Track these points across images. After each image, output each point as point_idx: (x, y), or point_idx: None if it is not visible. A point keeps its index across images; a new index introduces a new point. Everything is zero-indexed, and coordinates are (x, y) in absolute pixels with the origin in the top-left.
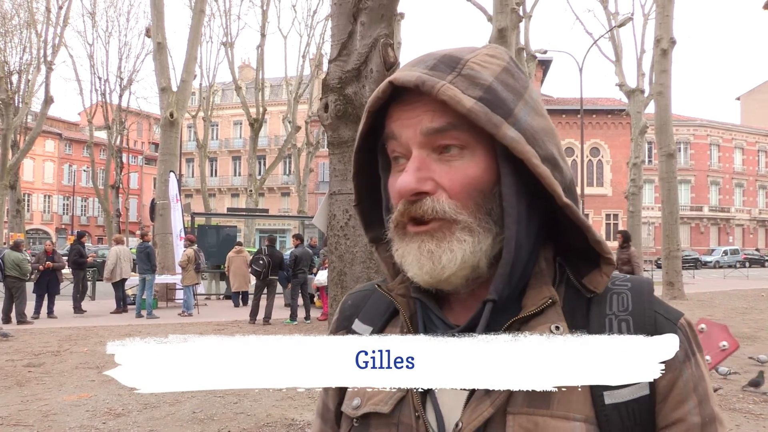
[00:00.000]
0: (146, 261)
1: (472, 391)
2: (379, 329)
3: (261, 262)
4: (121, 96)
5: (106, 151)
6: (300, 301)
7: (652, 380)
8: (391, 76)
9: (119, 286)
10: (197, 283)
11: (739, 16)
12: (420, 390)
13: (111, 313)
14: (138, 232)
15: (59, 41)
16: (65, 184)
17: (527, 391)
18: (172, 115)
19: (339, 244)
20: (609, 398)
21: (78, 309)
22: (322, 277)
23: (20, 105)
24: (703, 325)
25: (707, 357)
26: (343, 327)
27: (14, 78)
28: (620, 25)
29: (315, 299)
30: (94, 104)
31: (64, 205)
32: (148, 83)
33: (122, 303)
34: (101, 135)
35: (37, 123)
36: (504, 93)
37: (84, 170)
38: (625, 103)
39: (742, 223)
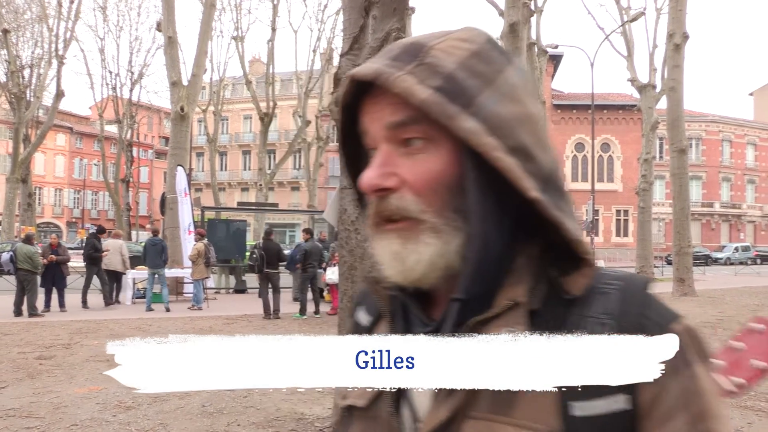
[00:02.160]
0: (159, 256)
1: (438, 393)
2: (375, 320)
3: (254, 255)
4: (131, 90)
5: (116, 145)
6: (309, 295)
7: (616, 385)
8: (353, 69)
9: (108, 279)
10: (207, 277)
11: (753, 11)
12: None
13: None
14: (148, 227)
15: (70, 35)
16: (76, 177)
17: (493, 395)
18: (182, 109)
19: (350, 239)
20: (578, 410)
21: (85, 303)
22: (333, 275)
23: (32, 99)
24: (761, 325)
25: (759, 362)
26: (352, 314)
27: (26, 72)
28: (632, 20)
29: (324, 293)
30: (105, 98)
31: (74, 198)
32: (159, 77)
33: (111, 296)
34: (112, 129)
35: (48, 117)
36: (467, 81)
37: (94, 164)
38: (637, 99)
39: (753, 219)
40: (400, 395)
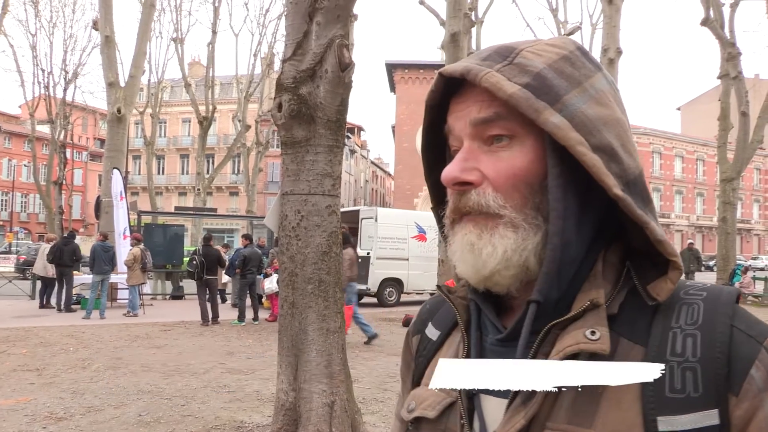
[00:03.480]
0: (108, 261)
1: (511, 402)
2: (446, 334)
3: (194, 262)
4: (65, 89)
5: (48, 146)
6: (248, 301)
7: (706, 399)
8: (444, 67)
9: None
10: (143, 283)
11: (681, 30)
12: (468, 397)
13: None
14: (81, 230)
15: None
16: (4, 178)
17: (572, 406)
18: (119, 110)
19: (290, 245)
20: (664, 425)
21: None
22: (272, 284)
23: None
24: None
25: None
26: (418, 331)
27: None
28: (569, 34)
29: (263, 299)
30: (37, 97)
31: (2, 200)
32: (95, 77)
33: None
34: (44, 129)
35: None
36: (556, 80)
37: (25, 165)
38: None
39: (681, 228)
40: (471, 407)
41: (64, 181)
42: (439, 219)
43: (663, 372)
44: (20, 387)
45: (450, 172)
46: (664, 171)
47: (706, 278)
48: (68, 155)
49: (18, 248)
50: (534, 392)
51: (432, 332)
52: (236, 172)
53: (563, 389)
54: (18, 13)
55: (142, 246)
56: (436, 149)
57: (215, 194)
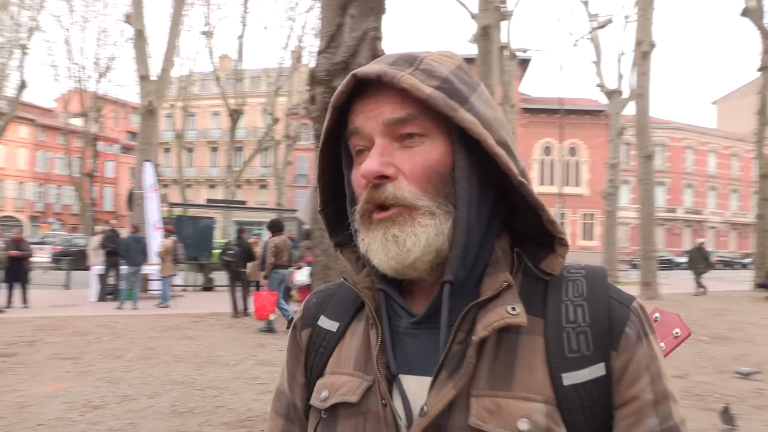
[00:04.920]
0: (141, 252)
1: (436, 377)
2: (346, 324)
3: (231, 251)
4: (98, 83)
5: (81, 139)
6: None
7: (595, 355)
8: (357, 69)
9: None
10: (174, 275)
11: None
12: (387, 378)
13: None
14: (113, 222)
15: (34, 25)
16: (39, 171)
17: (489, 374)
18: (150, 103)
19: (324, 238)
20: (567, 379)
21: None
22: (302, 276)
23: None
24: (657, 314)
25: (662, 344)
26: (308, 325)
27: None
28: (600, 27)
29: (293, 292)
30: (70, 91)
31: (37, 192)
32: (126, 71)
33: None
34: (77, 122)
35: (10, 108)
36: (459, 85)
37: (59, 157)
38: (603, 104)
39: (714, 225)
40: (390, 386)
41: (96, 173)
42: (327, 220)
43: (561, 337)
44: (58, 375)
45: (371, 166)
46: (697, 167)
47: (723, 276)
48: (100, 148)
49: (53, 239)
50: (459, 366)
51: (328, 324)
52: (265, 165)
53: (481, 362)
54: (53, 9)
55: (173, 238)
56: (329, 150)
57: (244, 187)
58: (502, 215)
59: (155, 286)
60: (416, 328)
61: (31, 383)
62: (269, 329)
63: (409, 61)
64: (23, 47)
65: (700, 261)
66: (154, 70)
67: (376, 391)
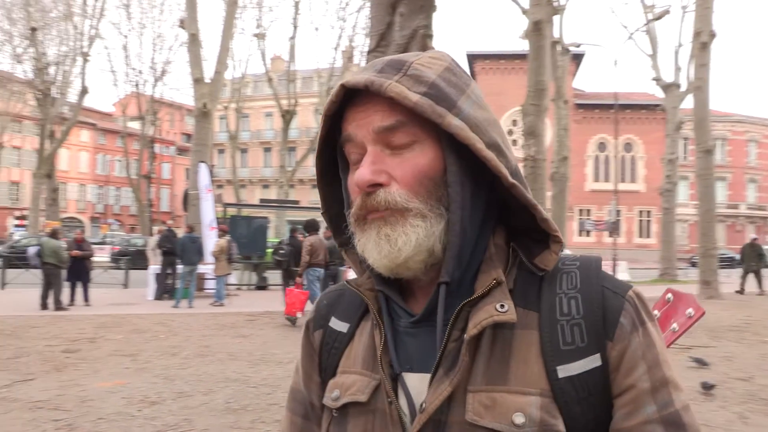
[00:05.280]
0: (196, 252)
1: (434, 374)
2: (355, 325)
3: (282, 251)
4: (154, 87)
5: (139, 142)
6: None
7: (590, 347)
8: (343, 80)
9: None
10: (229, 273)
11: None
12: (391, 377)
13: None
14: (169, 222)
15: (95, 33)
16: (99, 173)
17: (486, 370)
18: (205, 106)
19: None
20: (562, 372)
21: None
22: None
23: (57, 96)
24: (669, 295)
25: (675, 325)
26: (320, 326)
27: (52, 69)
28: (657, 18)
29: None
30: (128, 95)
31: (98, 194)
32: (181, 74)
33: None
34: (134, 125)
35: (73, 113)
36: (447, 89)
37: (118, 160)
38: (660, 98)
39: None
40: (395, 385)
41: (153, 175)
42: (331, 221)
43: (556, 330)
44: (117, 371)
45: (363, 175)
46: (761, 161)
47: None
48: (157, 150)
49: (112, 239)
50: (455, 363)
51: (339, 325)
52: None
53: (477, 358)
54: (112, 16)
55: (227, 237)
56: (325, 157)
57: (297, 186)
58: (496, 213)
59: (210, 285)
60: (416, 328)
61: (92, 378)
62: (291, 323)
63: (397, 67)
64: (85, 55)
65: (753, 258)
66: (208, 72)
67: (382, 390)
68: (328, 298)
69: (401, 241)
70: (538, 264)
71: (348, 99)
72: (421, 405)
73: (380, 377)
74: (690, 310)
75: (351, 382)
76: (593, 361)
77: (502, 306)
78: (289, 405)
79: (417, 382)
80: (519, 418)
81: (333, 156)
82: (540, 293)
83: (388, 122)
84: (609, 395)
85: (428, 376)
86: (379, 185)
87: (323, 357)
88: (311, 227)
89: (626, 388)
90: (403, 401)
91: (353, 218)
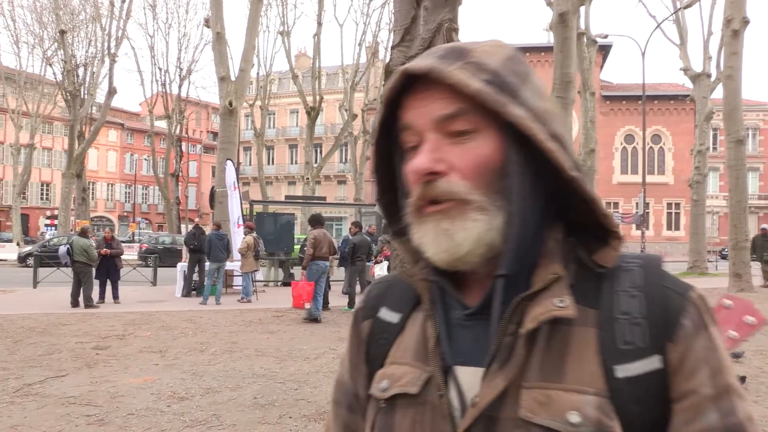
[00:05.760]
0: (223, 249)
1: (488, 368)
2: (407, 315)
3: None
4: (180, 86)
5: (166, 140)
6: (358, 288)
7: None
8: (407, 64)
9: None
10: (256, 270)
11: None
12: (443, 370)
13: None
14: (196, 220)
15: (122, 34)
16: (127, 172)
17: (541, 366)
18: (230, 104)
19: None
20: (621, 372)
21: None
22: (382, 271)
23: (86, 96)
24: (729, 301)
25: (733, 332)
26: (369, 316)
27: (80, 71)
28: (686, 7)
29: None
30: (155, 94)
31: (126, 193)
32: (207, 73)
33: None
34: (161, 124)
35: (101, 114)
36: (509, 77)
37: (145, 159)
38: (689, 88)
39: None
40: (447, 378)
41: (180, 173)
42: (385, 209)
43: (615, 329)
44: (146, 367)
45: (421, 163)
46: None
47: None
48: (183, 148)
49: (140, 237)
50: (510, 358)
51: (389, 315)
52: (344, 160)
53: (533, 354)
54: (138, 17)
55: (254, 234)
56: (383, 144)
57: (323, 183)
58: (556, 207)
59: (237, 281)
60: (470, 320)
61: (122, 375)
62: (314, 319)
63: (459, 54)
64: (112, 56)
65: (765, 248)
66: (234, 70)
67: (434, 382)
68: (378, 289)
69: (461, 236)
70: (598, 261)
71: (407, 85)
72: (473, 399)
73: (432, 369)
74: (751, 318)
75: (401, 374)
76: (653, 363)
77: (561, 301)
78: (335, 397)
79: (469, 376)
80: (574, 417)
81: (388, 144)
82: (599, 290)
83: (448, 110)
84: (667, 399)
85: (481, 370)
86: (438, 174)
87: (371, 347)
88: (315, 221)
89: (686, 393)
90: (453, 395)
91: (411, 208)
